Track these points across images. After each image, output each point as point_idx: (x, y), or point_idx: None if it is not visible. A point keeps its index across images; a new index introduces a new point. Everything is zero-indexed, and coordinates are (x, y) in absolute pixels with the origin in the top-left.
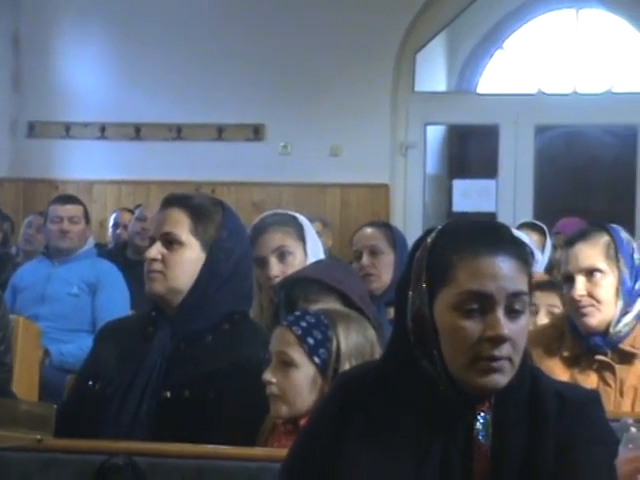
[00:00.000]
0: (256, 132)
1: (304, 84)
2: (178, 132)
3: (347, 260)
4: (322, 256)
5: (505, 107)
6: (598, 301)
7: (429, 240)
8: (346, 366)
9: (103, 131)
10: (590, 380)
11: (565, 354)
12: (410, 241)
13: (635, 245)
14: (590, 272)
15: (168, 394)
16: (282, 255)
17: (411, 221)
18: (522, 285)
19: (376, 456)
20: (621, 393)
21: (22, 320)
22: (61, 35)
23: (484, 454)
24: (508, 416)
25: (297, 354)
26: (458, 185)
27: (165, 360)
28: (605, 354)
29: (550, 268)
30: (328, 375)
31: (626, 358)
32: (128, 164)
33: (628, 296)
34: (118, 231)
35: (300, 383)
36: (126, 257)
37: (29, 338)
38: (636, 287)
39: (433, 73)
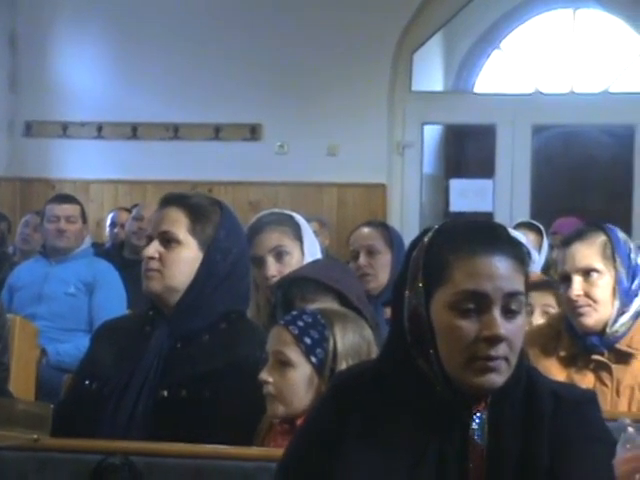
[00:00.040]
0: (253, 132)
1: (301, 84)
2: (175, 132)
3: (344, 260)
4: (319, 256)
5: (502, 107)
6: (595, 301)
7: (426, 240)
8: (343, 366)
9: (100, 130)
10: (587, 380)
11: (562, 354)
12: (407, 241)
13: (632, 245)
14: (587, 272)
15: (165, 393)
16: (279, 255)
17: (408, 221)
18: (518, 285)
19: (372, 456)
20: (618, 393)
21: (19, 319)
22: (58, 34)
23: (480, 454)
24: (504, 416)
25: (294, 354)
26: (455, 185)
27: (162, 359)
28: (602, 354)
29: (547, 268)
30: (325, 375)
31: (623, 358)
32: (125, 164)
33: (625, 296)
34: (115, 230)
35: (297, 383)
36: (123, 256)
37: (26, 337)
38: (633, 287)
39: (430, 73)
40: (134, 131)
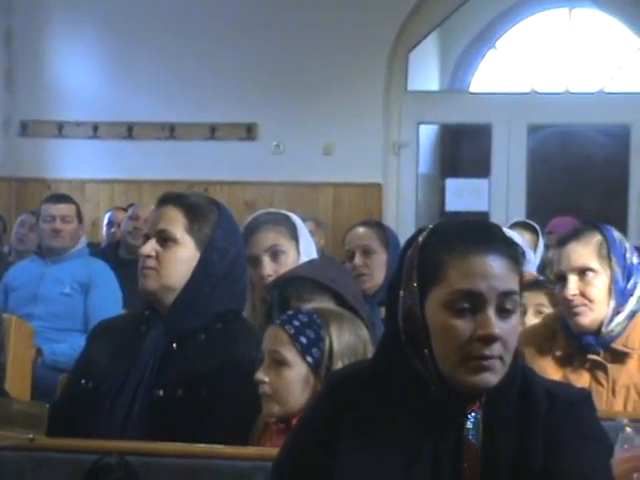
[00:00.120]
0: (249, 131)
1: (297, 83)
2: (171, 131)
3: (339, 259)
4: (315, 255)
5: (498, 106)
6: (590, 300)
7: (420, 239)
8: (339, 365)
9: (96, 130)
10: (582, 379)
11: (558, 353)
12: (403, 240)
13: (627, 244)
14: (582, 271)
15: (161, 393)
16: (275, 254)
17: (404, 220)
18: (513, 284)
19: (367, 455)
20: (613, 392)
21: (14, 319)
22: (54, 34)
23: (474, 454)
24: (499, 415)
25: (290, 353)
26: (451, 184)
27: (158, 359)
28: (597, 353)
29: (542, 267)
30: (321, 374)
31: (618, 357)
32: (121, 163)
33: (620, 295)
34: (112, 230)
35: (292, 382)
36: (119, 256)
37: (22, 337)
38: (628, 286)
39: (426, 72)
40: (130, 131)
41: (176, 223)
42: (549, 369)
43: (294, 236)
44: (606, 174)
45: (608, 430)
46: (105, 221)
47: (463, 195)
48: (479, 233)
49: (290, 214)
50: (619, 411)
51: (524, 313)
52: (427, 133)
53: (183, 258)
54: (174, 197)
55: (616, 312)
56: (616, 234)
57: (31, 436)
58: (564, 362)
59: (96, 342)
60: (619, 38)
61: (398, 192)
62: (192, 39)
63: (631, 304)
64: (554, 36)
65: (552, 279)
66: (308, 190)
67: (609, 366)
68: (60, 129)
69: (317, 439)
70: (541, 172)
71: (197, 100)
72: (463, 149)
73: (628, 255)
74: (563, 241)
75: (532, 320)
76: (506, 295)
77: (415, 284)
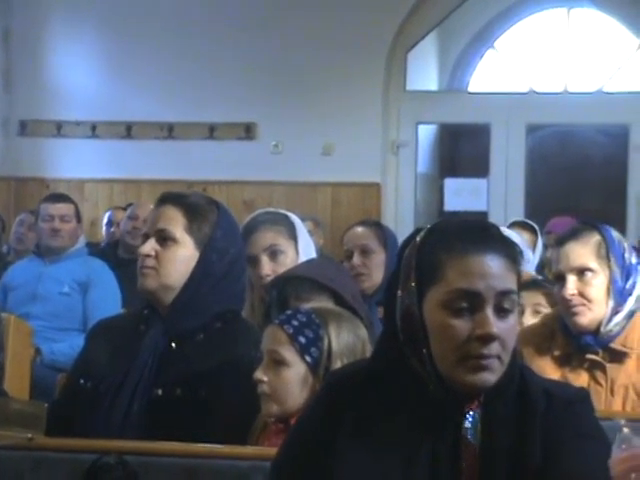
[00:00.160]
0: (248, 131)
1: (296, 83)
2: (169, 131)
3: (338, 259)
4: (314, 255)
5: (496, 106)
6: (589, 300)
7: (418, 239)
8: (337, 365)
9: (94, 130)
10: (581, 379)
11: (556, 353)
12: (401, 240)
13: (626, 244)
14: (581, 271)
15: (160, 392)
16: (273, 254)
17: (402, 220)
18: (511, 284)
19: (365, 455)
20: (612, 392)
21: (13, 319)
22: (52, 33)
23: (472, 453)
24: (497, 415)
25: (288, 353)
26: (449, 184)
27: (157, 358)
28: (596, 353)
29: (541, 267)
30: (319, 374)
31: (617, 357)
32: (119, 163)
33: (619, 295)
34: (112, 229)
35: (291, 382)
36: (117, 256)
37: (20, 337)
38: (627, 286)
39: (424, 72)
40: (128, 130)
41: (175, 223)
42: (548, 369)
43: (293, 236)
44: (605, 174)
45: (606, 430)
46: (105, 221)
47: (462, 195)
48: (477, 233)
49: (289, 214)
50: (617, 411)
51: (522, 313)
52: (426, 133)
53: (182, 258)
54: (173, 197)
55: (615, 312)
56: (615, 234)
57: (30, 435)
58: (563, 362)
59: (95, 342)
60: (618, 38)
61: (397, 192)
62: (191, 39)
63: (630, 304)
64: (553, 36)
65: (551, 279)
66: (307, 190)
67: (608, 366)
68: (59, 129)
69: (315, 439)
70: (540, 172)
71: (196, 100)
72: (462, 149)
73: (627, 255)
74: (562, 241)
75: (530, 320)
76: (504, 294)
77: (413, 284)
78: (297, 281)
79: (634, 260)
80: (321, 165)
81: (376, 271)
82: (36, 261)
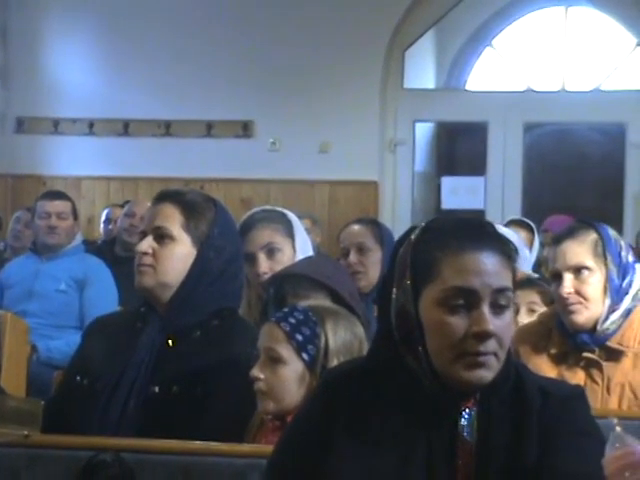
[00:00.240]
0: (245, 129)
1: (293, 81)
2: (167, 128)
3: (335, 257)
4: (311, 253)
5: (494, 104)
6: (586, 299)
7: (413, 237)
8: (334, 363)
9: (91, 127)
10: (577, 377)
11: (552, 351)
12: None
13: (622, 243)
14: (578, 270)
15: (156, 390)
16: (271, 251)
17: (400, 218)
18: (506, 281)
19: (361, 453)
20: (608, 390)
21: (10, 316)
22: (49, 30)
23: (468, 451)
24: (493, 413)
25: (285, 350)
26: (447, 182)
27: (153, 356)
28: (592, 351)
29: (538, 265)
30: (316, 371)
31: (613, 355)
32: (116, 160)
33: (615, 294)
34: (110, 227)
35: (288, 379)
36: (114, 253)
37: (17, 334)
38: (623, 285)
39: (422, 70)
40: (126, 128)
41: (173, 220)
42: (544, 367)
43: (290, 234)
44: (602, 172)
45: (602, 428)
46: (103, 218)
47: (459, 193)
48: (472, 230)
49: (286, 212)
50: (613, 409)
51: (516, 312)
52: (423, 131)
53: (179, 255)
54: (171, 194)
55: (611, 310)
56: (611, 232)
57: (26, 433)
58: (559, 360)
59: (91, 339)
60: (615, 36)
61: (394, 190)
62: (188, 37)
63: (626, 302)
64: (550, 34)
65: (547, 277)
66: (304, 188)
67: (604, 364)
68: (56, 126)
69: (312, 436)
70: (537, 170)
71: (193, 97)
72: (459, 147)
73: (623, 253)
74: (558, 239)
75: (525, 319)
76: (500, 291)
77: (408, 282)
78: (294, 279)
79: (631, 258)
80: (318, 163)
81: (372, 269)
82: (33, 258)
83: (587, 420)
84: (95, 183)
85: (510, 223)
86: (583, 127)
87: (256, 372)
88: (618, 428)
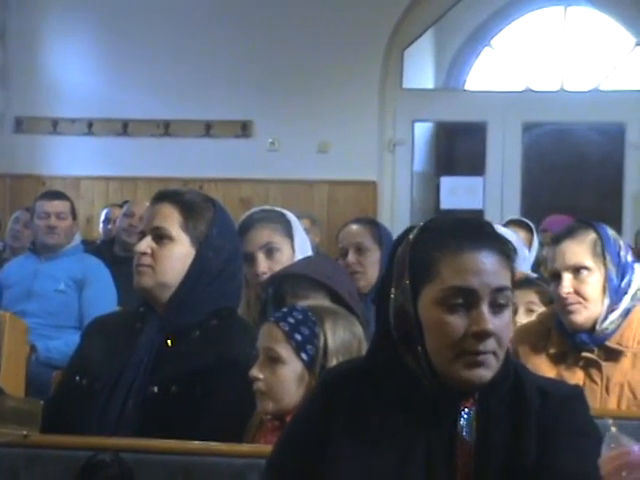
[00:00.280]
0: (244, 128)
1: (292, 81)
2: (166, 128)
3: (334, 257)
4: (310, 253)
5: (493, 104)
6: (585, 298)
7: (411, 237)
8: (333, 363)
9: (90, 127)
10: (576, 377)
11: (551, 351)
12: None
13: (621, 243)
14: (577, 269)
15: (155, 389)
16: (269, 251)
17: (399, 218)
18: (505, 280)
19: (360, 452)
20: (607, 390)
21: (9, 316)
22: (49, 30)
23: (467, 451)
24: (492, 412)
25: (284, 350)
26: (446, 182)
27: (152, 356)
28: (591, 351)
29: (537, 265)
30: (315, 371)
31: (612, 355)
32: (115, 160)
33: (614, 294)
34: (109, 227)
35: (287, 379)
36: (113, 253)
37: (16, 334)
38: (622, 284)
39: (421, 70)
40: (125, 127)
41: (171, 220)
42: (543, 367)
43: (289, 233)
44: (601, 172)
45: (601, 428)
46: (102, 218)
47: (458, 193)
48: (471, 230)
49: (285, 211)
50: (612, 409)
51: (515, 312)
52: (422, 131)
53: (178, 255)
54: (170, 194)
55: (610, 310)
56: (610, 232)
57: (25, 433)
58: (558, 360)
59: (90, 339)
60: (614, 36)
61: (393, 190)
62: (187, 37)
63: (625, 302)
64: (549, 34)
65: (546, 277)
66: (303, 188)
67: (603, 364)
68: (55, 126)
69: (311, 436)
70: (536, 170)
71: (192, 97)
72: (458, 147)
73: (622, 253)
74: (557, 239)
75: (523, 318)
76: (499, 291)
77: (407, 282)
78: (293, 279)
79: (630, 258)
80: (317, 163)
81: (371, 269)
82: (32, 258)
83: (586, 420)
84: (94, 183)
85: (509, 223)
86: (582, 127)
87: (255, 372)
88: (613, 428)
